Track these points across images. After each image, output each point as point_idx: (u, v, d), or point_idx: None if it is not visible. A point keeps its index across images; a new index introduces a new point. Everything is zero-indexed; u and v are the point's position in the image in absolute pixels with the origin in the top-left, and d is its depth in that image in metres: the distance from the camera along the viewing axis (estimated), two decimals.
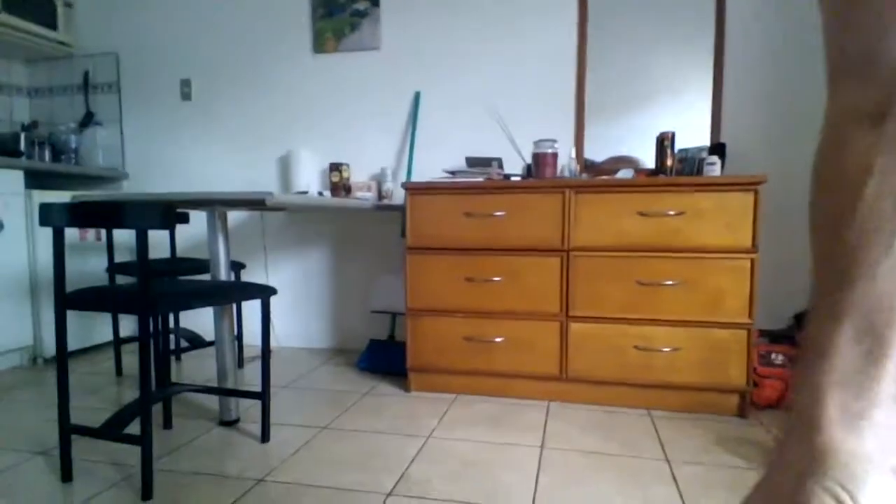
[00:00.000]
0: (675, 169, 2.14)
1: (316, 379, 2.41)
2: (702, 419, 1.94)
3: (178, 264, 2.36)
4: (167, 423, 1.84)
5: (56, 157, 3.00)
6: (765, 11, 2.36)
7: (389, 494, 1.40)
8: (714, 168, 2.02)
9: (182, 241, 3.03)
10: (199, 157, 3.06)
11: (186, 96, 3.04)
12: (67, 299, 1.43)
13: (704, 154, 2.10)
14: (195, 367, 2.59)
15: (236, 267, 2.53)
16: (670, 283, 1.95)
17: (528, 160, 2.26)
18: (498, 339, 2.11)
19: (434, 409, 2.04)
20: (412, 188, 2.15)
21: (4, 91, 3.15)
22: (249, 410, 1.96)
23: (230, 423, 1.87)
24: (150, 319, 1.61)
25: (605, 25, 2.51)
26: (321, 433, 1.81)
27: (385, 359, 2.51)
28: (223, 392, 1.83)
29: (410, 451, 1.66)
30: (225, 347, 1.84)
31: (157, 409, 1.84)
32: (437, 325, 2.16)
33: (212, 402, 2.06)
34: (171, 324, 2.67)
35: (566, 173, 2.24)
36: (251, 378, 2.42)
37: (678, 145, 2.17)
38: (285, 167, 2.91)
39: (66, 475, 1.47)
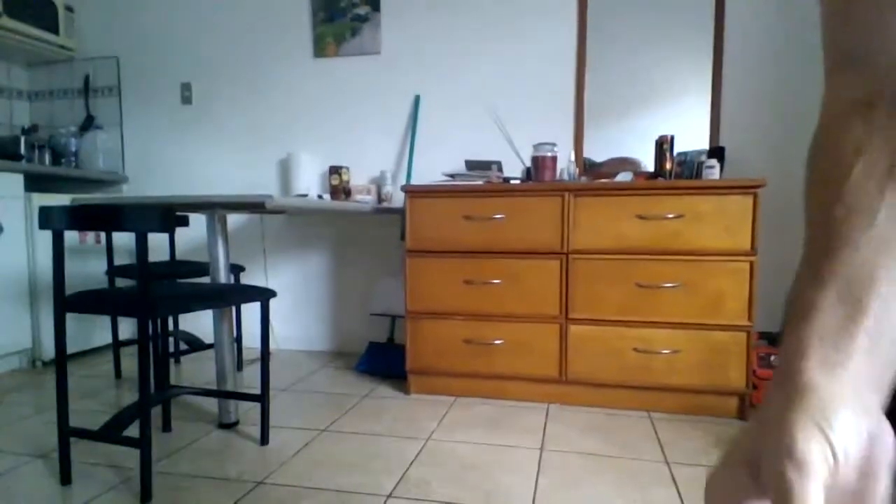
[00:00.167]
0: (675, 172, 2.14)
1: (315, 381, 2.41)
2: (701, 421, 1.94)
3: (177, 267, 2.36)
4: (166, 426, 1.84)
5: (56, 160, 3.01)
6: (764, 14, 2.37)
7: (389, 496, 1.40)
8: (713, 171, 2.03)
9: (182, 244, 3.03)
10: (199, 161, 3.07)
11: (187, 100, 3.05)
12: (67, 302, 1.43)
13: (703, 157, 2.10)
14: (194, 370, 2.59)
15: (236, 270, 2.53)
16: (670, 285, 1.95)
17: (528, 163, 2.27)
18: (497, 342, 2.11)
19: (433, 411, 2.04)
20: (412, 191, 2.15)
21: (5, 94, 3.16)
22: (249, 413, 1.96)
23: (229, 426, 1.87)
24: (150, 322, 1.62)
25: (604, 29, 2.52)
26: (320, 435, 1.80)
27: (384, 361, 2.51)
28: (222, 394, 1.83)
29: (410, 454, 1.66)
30: (224, 350, 1.84)
31: (156, 411, 1.84)
32: (437, 328, 2.16)
33: (211, 404, 2.06)
34: (171, 326, 2.67)
35: (565, 176, 2.24)
36: (250, 381, 2.42)
37: (677, 148, 2.17)
38: (285, 170, 2.91)
39: (66, 478, 1.47)
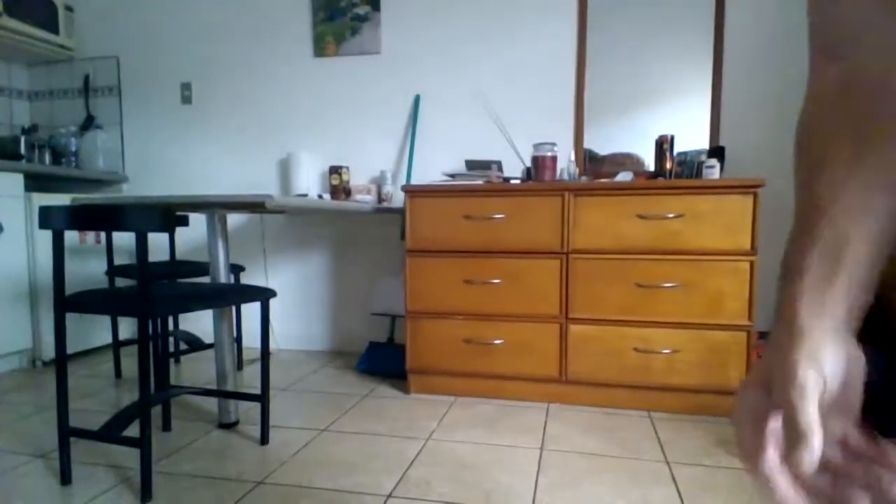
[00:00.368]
0: (675, 172, 2.15)
1: (315, 381, 2.41)
2: (701, 421, 1.94)
3: (177, 267, 2.36)
4: (166, 426, 1.84)
5: (56, 160, 3.01)
6: (764, 14, 2.37)
7: (389, 496, 1.40)
8: (713, 171, 2.03)
9: (182, 244, 3.03)
10: (198, 160, 3.07)
11: (187, 100, 3.05)
12: (67, 302, 1.43)
13: (703, 157, 2.10)
14: (194, 370, 2.59)
15: (236, 270, 2.53)
16: (670, 285, 1.95)
17: (528, 163, 2.27)
18: (497, 342, 2.11)
19: (433, 410, 2.04)
20: (412, 191, 2.15)
21: (5, 94, 3.16)
22: (249, 413, 1.96)
23: (229, 426, 1.87)
24: (150, 322, 1.62)
25: (604, 29, 2.52)
26: (321, 435, 1.80)
27: (384, 361, 2.51)
28: (222, 394, 1.83)
29: (410, 453, 1.66)
30: (224, 350, 1.84)
31: (156, 411, 1.84)
32: (437, 328, 2.16)
33: (211, 404, 2.06)
34: (171, 326, 2.67)
35: (565, 176, 2.24)
36: (250, 380, 2.42)
37: (677, 148, 2.17)
38: (285, 170, 2.91)
39: (66, 478, 1.47)
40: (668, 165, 2.13)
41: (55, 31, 2.96)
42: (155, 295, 1.44)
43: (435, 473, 1.53)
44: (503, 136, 2.60)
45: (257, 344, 2.78)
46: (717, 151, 2.22)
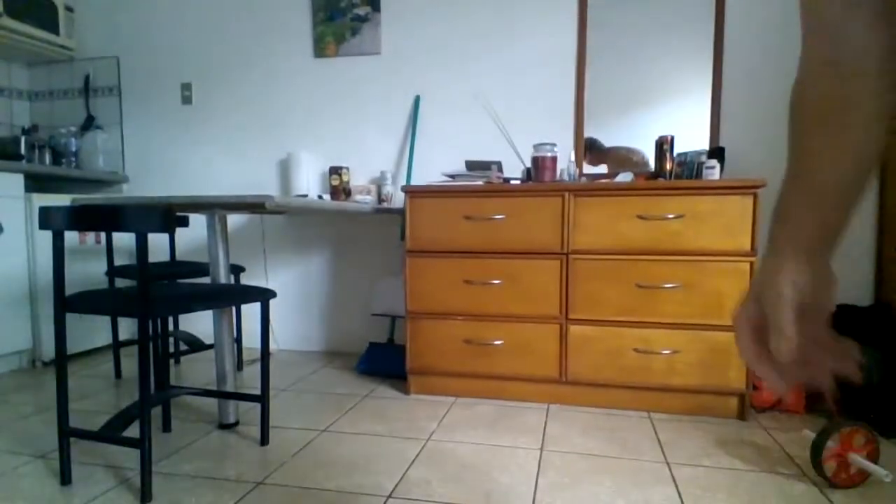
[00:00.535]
0: (675, 172, 2.15)
1: (315, 382, 2.41)
2: (701, 421, 1.94)
3: (177, 267, 2.36)
4: (166, 426, 1.84)
5: (56, 160, 3.01)
6: (764, 14, 2.37)
7: (389, 497, 1.40)
8: (713, 172, 2.03)
9: (182, 245, 3.03)
10: (199, 161, 3.07)
11: (187, 100, 3.05)
12: (67, 302, 1.43)
13: (704, 158, 2.10)
14: (194, 370, 2.59)
15: (236, 270, 2.53)
16: (670, 286, 1.95)
17: (528, 163, 2.27)
18: (497, 342, 2.11)
19: (433, 411, 2.04)
20: (412, 191, 2.15)
21: (5, 94, 3.16)
22: (249, 413, 1.96)
23: (229, 426, 1.87)
24: (150, 322, 1.62)
25: (604, 29, 2.52)
26: (321, 436, 1.80)
27: (384, 362, 2.51)
28: (222, 395, 1.83)
29: (410, 454, 1.66)
30: (224, 350, 1.84)
31: (156, 412, 1.84)
32: (437, 328, 2.16)
33: (211, 405, 2.06)
34: (171, 326, 2.67)
35: (565, 177, 2.24)
36: (250, 381, 2.42)
37: (677, 149, 2.17)
38: (285, 171, 2.91)
39: (65, 478, 1.47)
40: (668, 166, 2.13)
41: (55, 31, 2.97)
42: (155, 295, 1.44)
43: (435, 474, 1.53)
44: (503, 136, 2.60)
45: (257, 344, 2.78)
46: (717, 152, 2.22)
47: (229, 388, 1.85)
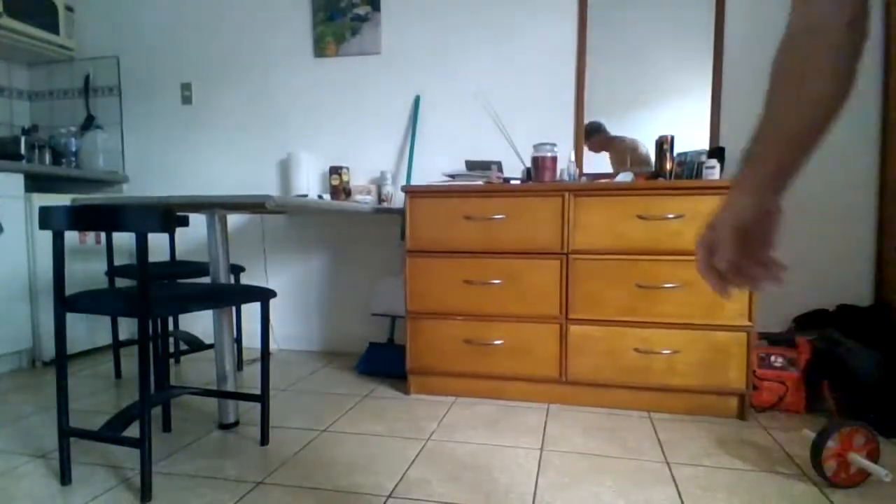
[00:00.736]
0: (675, 172, 2.14)
1: (315, 382, 2.41)
2: (701, 421, 1.94)
3: (177, 267, 2.36)
4: (166, 426, 1.84)
5: (56, 160, 3.01)
6: (764, 14, 2.37)
7: (389, 497, 1.40)
8: (713, 171, 2.03)
9: (182, 245, 3.03)
10: (199, 161, 3.07)
11: (187, 100, 3.05)
12: (67, 302, 1.43)
13: (704, 157, 2.10)
14: (194, 370, 2.59)
15: (236, 270, 2.53)
16: (670, 285, 1.95)
17: (528, 163, 2.27)
18: (497, 342, 2.11)
19: (433, 411, 2.04)
20: (412, 191, 2.15)
21: (5, 94, 3.16)
22: (249, 413, 1.96)
23: (229, 426, 1.87)
24: (150, 322, 1.62)
25: (604, 30, 2.52)
26: (321, 436, 1.80)
27: (384, 362, 2.51)
28: (222, 395, 1.83)
29: (410, 454, 1.66)
30: (224, 350, 1.84)
31: (156, 412, 1.84)
32: (437, 328, 2.16)
33: (211, 404, 2.06)
34: (171, 326, 2.67)
35: (565, 177, 2.24)
36: (250, 381, 2.42)
37: (677, 149, 2.17)
38: (285, 170, 2.91)
39: (65, 478, 1.47)
40: (669, 166, 2.13)
41: (55, 31, 2.97)
42: (155, 295, 1.44)
43: (435, 474, 1.53)
44: (503, 136, 2.60)
45: (257, 344, 2.78)
46: (717, 152, 2.22)
47: (229, 388, 1.85)
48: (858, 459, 1.44)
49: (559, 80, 2.59)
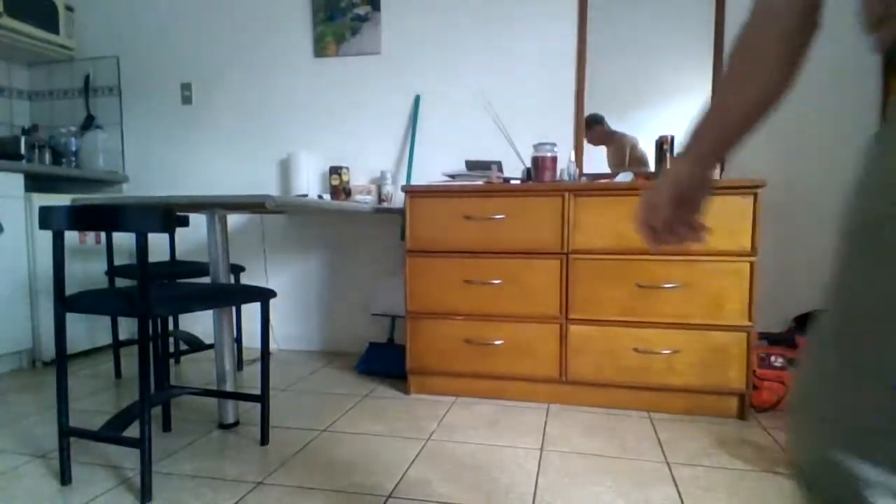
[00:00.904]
0: None
1: (315, 382, 2.41)
2: (701, 421, 1.94)
3: (177, 267, 2.36)
4: (166, 426, 1.84)
5: (56, 160, 3.01)
6: None
7: (389, 497, 1.40)
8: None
9: (182, 245, 3.03)
10: (199, 161, 3.07)
11: (187, 100, 3.05)
12: (67, 302, 1.43)
13: None
14: (194, 370, 2.59)
15: (236, 270, 2.53)
16: (670, 286, 1.95)
17: (528, 163, 2.27)
18: (497, 342, 2.11)
19: (433, 411, 2.04)
20: (412, 191, 2.15)
21: (5, 94, 3.16)
22: (249, 413, 1.96)
23: (229, 426, 1.87)
24: (150, 322, 1.62)
25: (604, 29, 2.52)
26: (321, 436, 1.80)
27: (384, 361, 2.51)
28: (222, 395, 1.83)
29: (410, 454, 1.66)
30: (224, 350, 1.84)
31: (156, 411, 1.84)
32: (437, 328, 2.16)
33: (211, 405, 2.06)
34: (171, 326, 2.67)
35: (565, 177, 2.24)
36: (250, 381, 2.42)
37: (677, 149, 2.17)
38: (285, 170, 2.91)
39: (65, 478, 1.47)
40: (669, 166, 2.13)
41: (55, 31, 2.96)
42: (155, 295, 1.44)
43: (435, 474, 1.53)
44: (503, 136, 2.60)
45: (257, 344, 2.78)
46: None
47: (229, 388, 1.85)
48: None
49: (559, 80, 2.59)
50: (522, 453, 1.67)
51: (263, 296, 1.66)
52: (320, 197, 2.62)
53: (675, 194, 0.67)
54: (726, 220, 1.89)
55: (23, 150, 2.83)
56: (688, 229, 0.70)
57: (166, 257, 2.67)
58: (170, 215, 1.33)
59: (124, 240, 3.00)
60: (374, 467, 1.57)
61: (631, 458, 1.64)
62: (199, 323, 2.98)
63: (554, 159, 2.15)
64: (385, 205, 2.67)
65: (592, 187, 2.01)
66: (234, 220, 3.01)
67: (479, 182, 2.17)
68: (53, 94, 3.24)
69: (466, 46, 2.68)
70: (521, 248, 2.07)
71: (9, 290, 2.49)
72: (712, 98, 0.65)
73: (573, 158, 2.29)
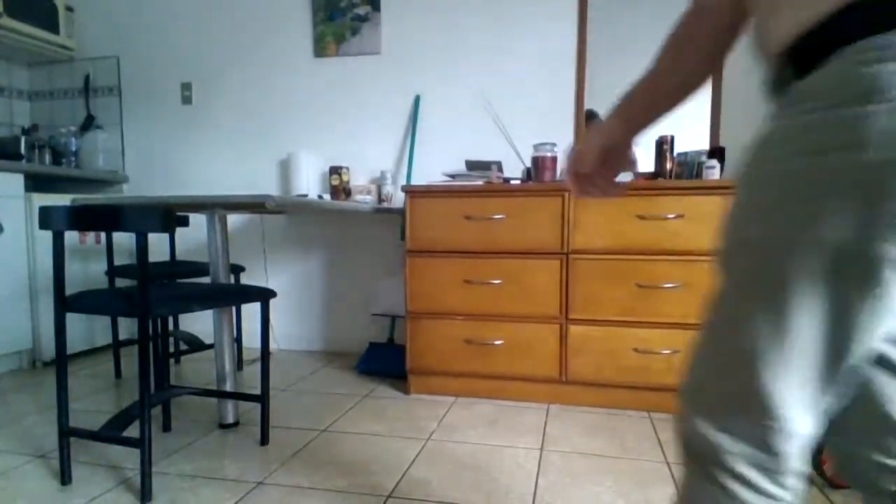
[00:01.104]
0: (675, 172, 2.14)
1: (315, 382, 2.41)
2: None
3: (177, 267, 2.36)
4: (166, 426, 1.84)
5: (56, 160, 3.01)
6: None
7: (389, 497, 1.40)
8: (713, 171, 2.03)
9: (182, 245, 3.03)
10: (199, 161, 3.07)
11: (187, 100, 3.05)
12: (67, 302, 1.43)
13: (703, 157, 2.10)
14: (194, 370, 2.59)
15: (236, 270, 2.53)
16: (670, 285, 1.95)
17: (528, 163, 2.27)
18: (497, 342, 2.11)
19: (433, 411, 2.04)
20: (412, 191, 2.15)
21: (5, 94, 3.16)
22: (249, 413, 1.96)
23: (229, 426, 1.87)
24: (150, 322, 1.62)
25: (604, 28, 2.52)
26: (321, 436, 1.80)
27: (384, 361, 2.51)
28: (222, 395, 1.83)
29: (410, 454, 1.66)
30: (224, 350, 1.84)
31: (156, 411, 1.84)
32: (437, 328, 2.16)
33: (211, 405, 2.06)
34: (171, 326, 2.67)
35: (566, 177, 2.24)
36: (250, 381, 2.42)
37: (677, 149, 2.17)
38: (285, 170, 2.91)
39: (65, 478, 1.47)
40: (668, 166, 2.13)
41: (55, 31, 2.96)
42: (155, 295, 1.44)
43: (435, 474, 1.53)
44: (503, 136, 2.60)
45: (257, 344, 2.78)
46: (717, 152, 2.22)
47: (229, 388, 1.85)
48: None
49: (559, 80, 2.59)
50: (522, 453, 1.67)
51: (263, 296, 1.66)
52: (320, 197, 2.62)
53: (603, 146, 0.73)
54: None
55: (23, 150, 2.83)
56: (610, 185, 0.78)
57: (166, 257, 2.67)
58: (170, 215, 1.33)
59: (124, 240, 3.00)
60: (373, 467, 1.57)
61: (631, 458, 1.64)
62: (199, 323, 2.98)
63: (554, 159, 2.15)
64: (385, 205, 2.67)
65: None
66: (234, 220, 3.01)
67: (479, 182, 2.17)
68: (53, 94, 3.24)
69: (466, 46, 2.68)
70: (521, 248, 2.07)
71: (9, 290, 2.49)
72: (649, 70, 0.70)
73: None
